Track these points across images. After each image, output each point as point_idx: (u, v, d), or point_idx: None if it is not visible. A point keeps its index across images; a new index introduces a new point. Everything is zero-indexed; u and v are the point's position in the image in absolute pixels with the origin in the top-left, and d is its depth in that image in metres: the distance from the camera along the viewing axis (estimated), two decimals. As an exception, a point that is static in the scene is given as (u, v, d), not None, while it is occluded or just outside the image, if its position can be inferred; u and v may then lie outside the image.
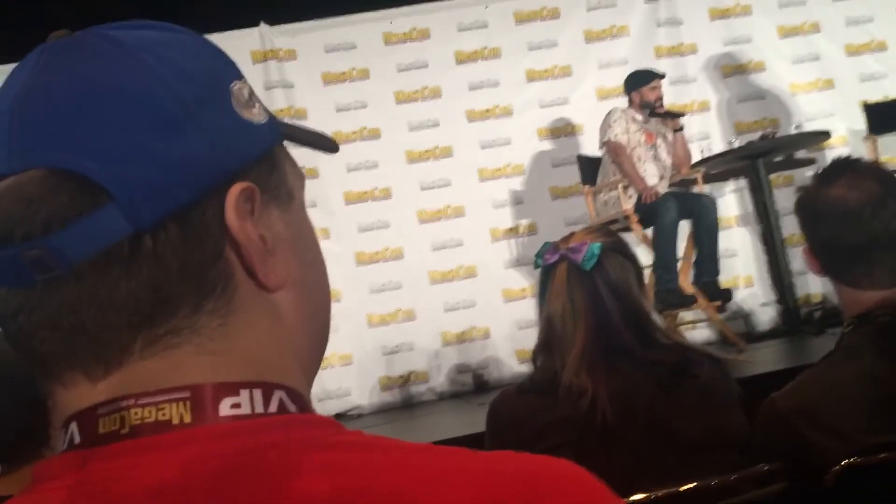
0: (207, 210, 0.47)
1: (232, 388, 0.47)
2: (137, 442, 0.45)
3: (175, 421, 0.45)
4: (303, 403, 0.50)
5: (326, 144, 0.61)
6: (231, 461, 0.44)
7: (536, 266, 1.63)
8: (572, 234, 1.62)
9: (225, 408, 0.46)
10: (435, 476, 0.44)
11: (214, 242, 0.48)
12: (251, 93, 0.53)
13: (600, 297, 1.51)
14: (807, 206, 1.49)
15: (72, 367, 0.47)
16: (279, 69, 5.21)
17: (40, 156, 0.45)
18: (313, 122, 5.08)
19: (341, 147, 0.65)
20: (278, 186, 0.53)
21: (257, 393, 0.48)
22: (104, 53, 0.48)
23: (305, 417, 0.50)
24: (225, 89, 0.51)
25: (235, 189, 0.48)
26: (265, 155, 0.52)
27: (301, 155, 0.57)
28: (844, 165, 1.48)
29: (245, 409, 0.47)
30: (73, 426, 0.47)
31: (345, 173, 5.06)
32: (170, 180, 0.46)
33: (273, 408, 0.48)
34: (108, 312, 0.46)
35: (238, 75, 0.53)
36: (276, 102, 5.07)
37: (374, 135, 5.22)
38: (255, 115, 0.52)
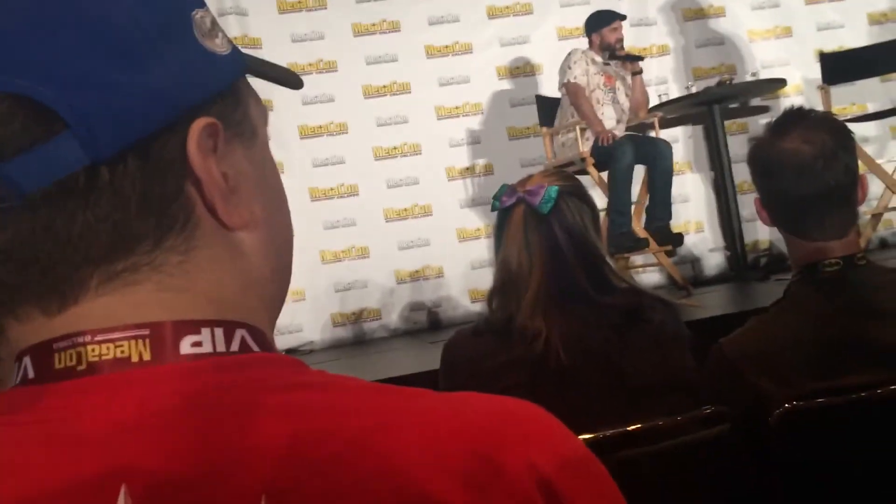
0: (168, 144, 0.46)
1: (193, 326, 0.46)
2: (94, 379, 0.44)
3: (134, 359, 0.44)
4: (265, 342, 0.50)
5: (291, 80, 0.59)
6: (191, 400, 0.43)
7: (494, 208, 1.62)
8: (530, 177, 1.62)
9: (185, 346, 0.45)
10: (398, 418, 0.44)
11: (175, 178, 0.46)
12: (214, 22, 0.51)
13: (556, 240, 1.51)
14: (759, 158, 1.49)
15: (26, 300, 0.45)
16: (233, -5, 5.05)
17: None
18: (268, 53, 4.94)
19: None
20: (242, 122, 0.51)
21: (219, 331, 0.47)
22: None
23: (268, 357, 0.49)
24: (187, 17, 0.49)
25: (198, 124, 0.47)
26: (229, 89, 0.50)
27: (256, 86, 0.55)
28: (797, 117, 1.48)
29: (206, 348, 0.46)
30: (27, 360, 0.45)
31: (300, 106, 4.96)
32: (129, 111, 0.44)
33: (235, 346, 0.47)
34: (64, 246, 0.44)
35: (200, 3, 0.50)
36: (229, 30, 4.90)
37: (331, 67, 5.11)
38: (219, 46, 0.50)
